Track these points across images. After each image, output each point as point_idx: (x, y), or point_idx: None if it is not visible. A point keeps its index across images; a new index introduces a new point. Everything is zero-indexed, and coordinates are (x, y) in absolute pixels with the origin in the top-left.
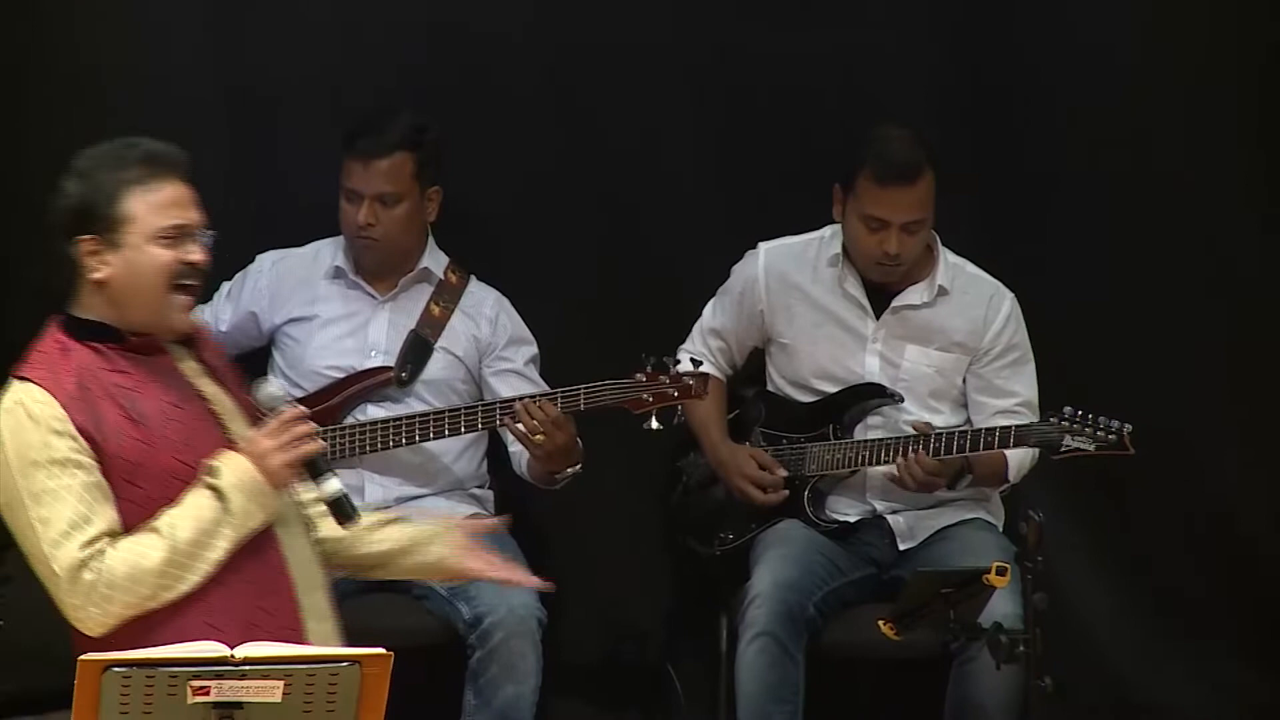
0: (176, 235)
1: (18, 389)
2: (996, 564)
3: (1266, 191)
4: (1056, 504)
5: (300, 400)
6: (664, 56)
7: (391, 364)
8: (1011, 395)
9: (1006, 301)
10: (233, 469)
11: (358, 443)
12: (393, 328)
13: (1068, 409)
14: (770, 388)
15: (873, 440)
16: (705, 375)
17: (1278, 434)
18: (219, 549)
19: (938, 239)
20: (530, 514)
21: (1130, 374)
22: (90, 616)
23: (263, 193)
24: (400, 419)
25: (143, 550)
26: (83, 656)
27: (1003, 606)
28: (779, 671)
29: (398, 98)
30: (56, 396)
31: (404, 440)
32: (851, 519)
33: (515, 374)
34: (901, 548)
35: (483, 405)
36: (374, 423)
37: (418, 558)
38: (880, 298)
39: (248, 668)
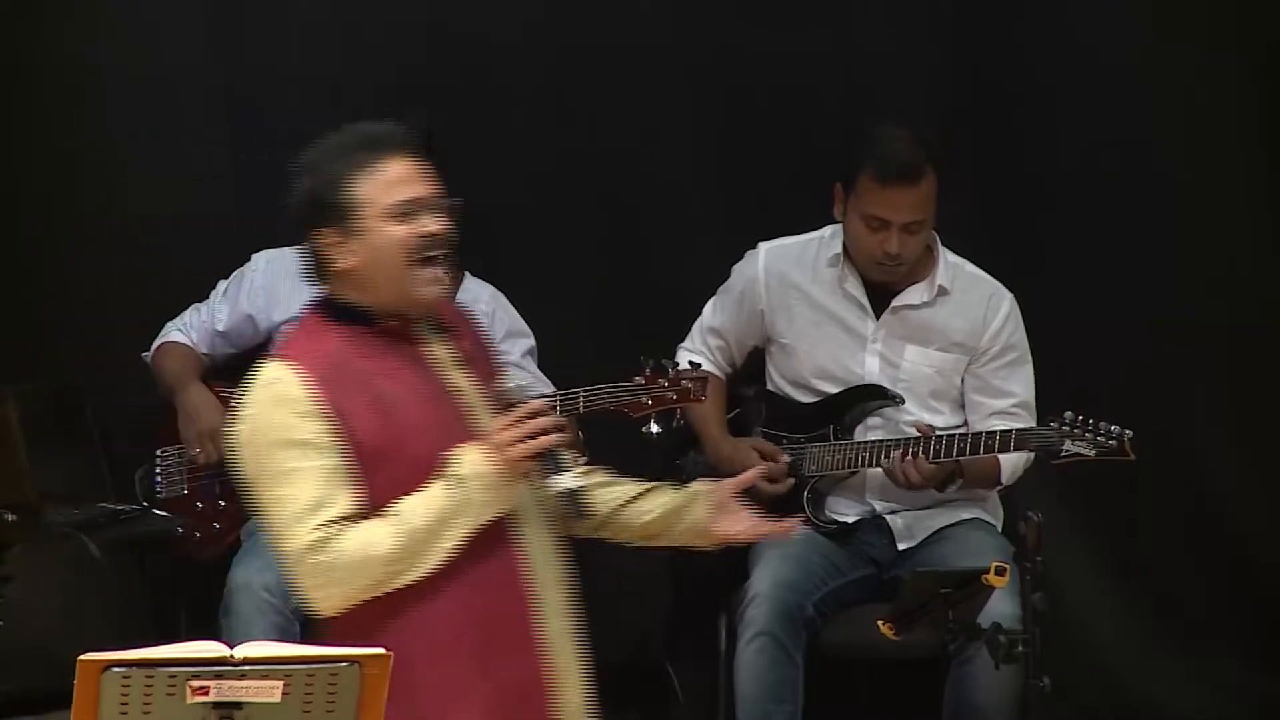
0: (410, 210)
1: (272, 368)
2: (995, 564)
3: (1266, 192)
4: (1055, 504)
5: None
6: (664, 56)
7: None
8: (1008, 396)
9: (1005, 301)
10: (471, 459)
11: None
12: None
13: (1068, 414)
14: (770, 388)
15: (873, 441)
16: (704, 378)
17: (1277, 435)
18: (453, 538)
19: (938, 239)
20: None
21: (1129, 374)
22: (322, 597)
23: (262, 192)
24: None
25: (376, 536)
26: (82, 657)
27: (1001, 606)
28: (778, 671)
29: (398, 98)
30: (308, 379)
31: None
32: (851, 519)
33: (513, 367)
34: (900, 548)
35: None
36: None
37: (688, 520)
38: (880, 298)
39: (247, 668)
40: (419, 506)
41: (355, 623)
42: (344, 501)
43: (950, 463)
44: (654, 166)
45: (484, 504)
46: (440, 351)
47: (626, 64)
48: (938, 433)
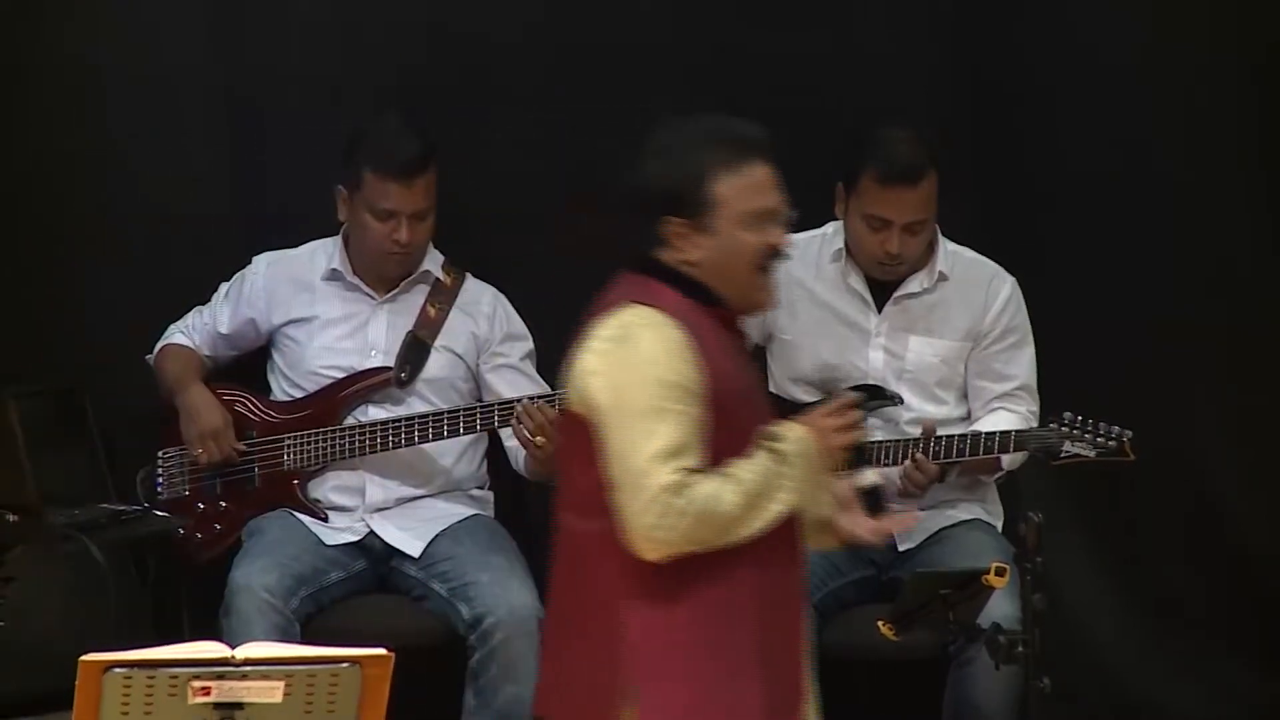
0: (763, 218)
1: (646, 313)
2: (995, 565)
3: (1266, 192)
4: (1055, 504)
5: (300, 401)
6: (664, 56)
7: (391, 364)
8: (1010, 379)
9: (1007, 284)
10: (796, 437)
11: (358, 444)
12: (391, 328)
13: (1067, 414)
14: (771, 388)
15: (873, 442)
16: None
17: (1277, 435)
18: (769, 513)
19: (937, 229)
20: (527, 514)
21: (1129, 374)
22: (658, 539)
23: (263, 193)
24: (400, 420)
25: (721, 492)
26: (84, 657)
27: (1001, 607)
28: None
29: (398, 98)
30: (683, 327)
31: (404, 442)
32: None
33: (512, 369)
34: (900, 549)
35: (481, 406)
36: (374, 424)
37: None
38: (883, 291)
39: (248, 668)
40: (750, 472)
41: (661, 585)
42: (697, 454)
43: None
44: None
45: (801, 482)
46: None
47: (625, 64)
48: (939, 432)
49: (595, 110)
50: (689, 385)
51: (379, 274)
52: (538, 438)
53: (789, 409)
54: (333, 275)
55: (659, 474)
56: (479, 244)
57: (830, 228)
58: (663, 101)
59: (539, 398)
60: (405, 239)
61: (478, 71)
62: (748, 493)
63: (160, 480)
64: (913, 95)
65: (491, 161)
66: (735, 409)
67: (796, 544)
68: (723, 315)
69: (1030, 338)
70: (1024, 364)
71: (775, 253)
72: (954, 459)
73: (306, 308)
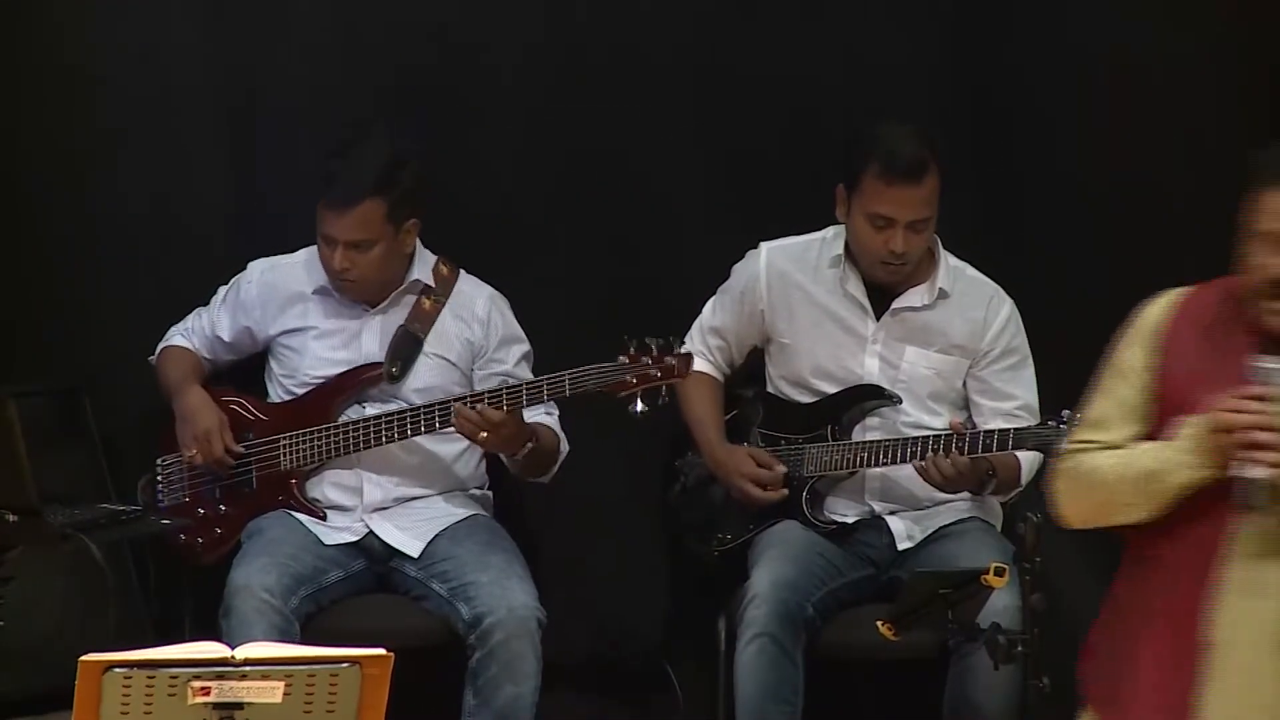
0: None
1: (1168, 296)
2: (995, 564)
3: None
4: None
5: (294, 402)
6: (665, 56)
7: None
8: (1011, 398)
9: (1006, 305)
10: (1195, 422)
11: (351, 440)
12: (385, 336)
13: (1066, 412)
14: (769, 388)
15: (871, 441)
16: (688, 355)
17: None
18: (1160, 494)
19: (939, 241)
20: (527, 514)
21: None
22: (1059, 504)
23: (262, 194)
24: (392, 414)
25: (1106, 463)
26: (83, 657)
27: (1001, 607)
28: (778, 672)
29: (397, 98)
30: (1171, 312)
31: (396, 435)
32: (850, 520)
33: (507, 375)
34: (900, 548)
35: (472, 396)
36: (367, 420)
37: None
38: (881, 299)
39: (248, 668)
40: (1148, 451)
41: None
42: (1120, 430)
43: (985, 462)
44: (652, 166)
45: (1190, 466)
46: None
47: (628, 63)
48: (935, 433)
49: (595, 110)
50: (1132, 367)
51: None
52: (480, 434)
53: (787, 410)
54: (322, 290)
55: (1069, 442)
56: (477, 245)
57: (830, 231)
58: (663, 100)
59: (527, 383)
60: (338, 266)
61: (478, 72)
62: (1136, 469)
63: (161, 487)
64: (914, 96)
65: (491, 162)
66: (1180, 400)
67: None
68: (1246, 321)
69: (1029, 359)
70: (1025, 384)
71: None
72: (947, 456)
73: (300, 318)
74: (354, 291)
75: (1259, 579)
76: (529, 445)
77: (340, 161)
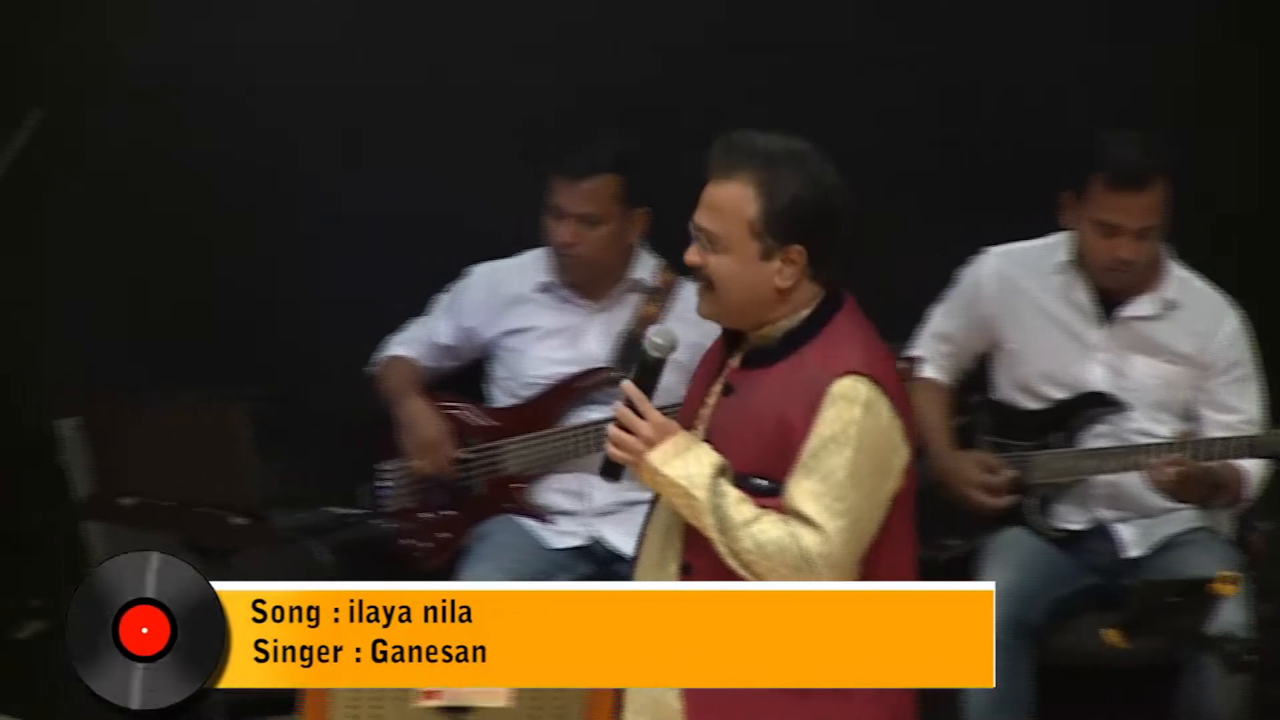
0: None
1: None
2: (1223, 573)
3: None
4: None
5: (518, 406)
6: (889, 52)
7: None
8: (1237, 412)
9: (1233, 317)
10: None
11: (578, 444)
12: (608, 337)
13: None
14: (995, 395)
15: (1099, 448)
16: (914, 359)
17: None
18: None
19: (1165, 250)
20: None
21: None
22: None
23: (477, 204)
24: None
25: None
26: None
27: (1230, 615)
28: (1005, 681)
29: (599, 108)
30: None
31: None
32: (1077, 527)
33: None
34: (1127, 556)
35: None
36: (593, 424)
37: None
38: (1106, 306)
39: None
40: None
41: None
42: None
43: (1212, 473)
44: (882, 169)
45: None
46: None
47: (846, 61)
48: (1166, 440)
49: (821, 114)
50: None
51: (561, 278)
52: None
53: (1015, 417)
54: (545, 287)
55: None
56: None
57: (1057, 238)
58: (888, 103)
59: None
60: (563, 239)
61: (676, 80)
62: None
63: (383, 493)
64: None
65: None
66: None
67: None
68: None
69: (1255, 373)
70: (1251, 398)
71: None
72: (1184, 463)
73: (522, 319)
74: (575, 271)
75: None
76: None
77: (576, 141)
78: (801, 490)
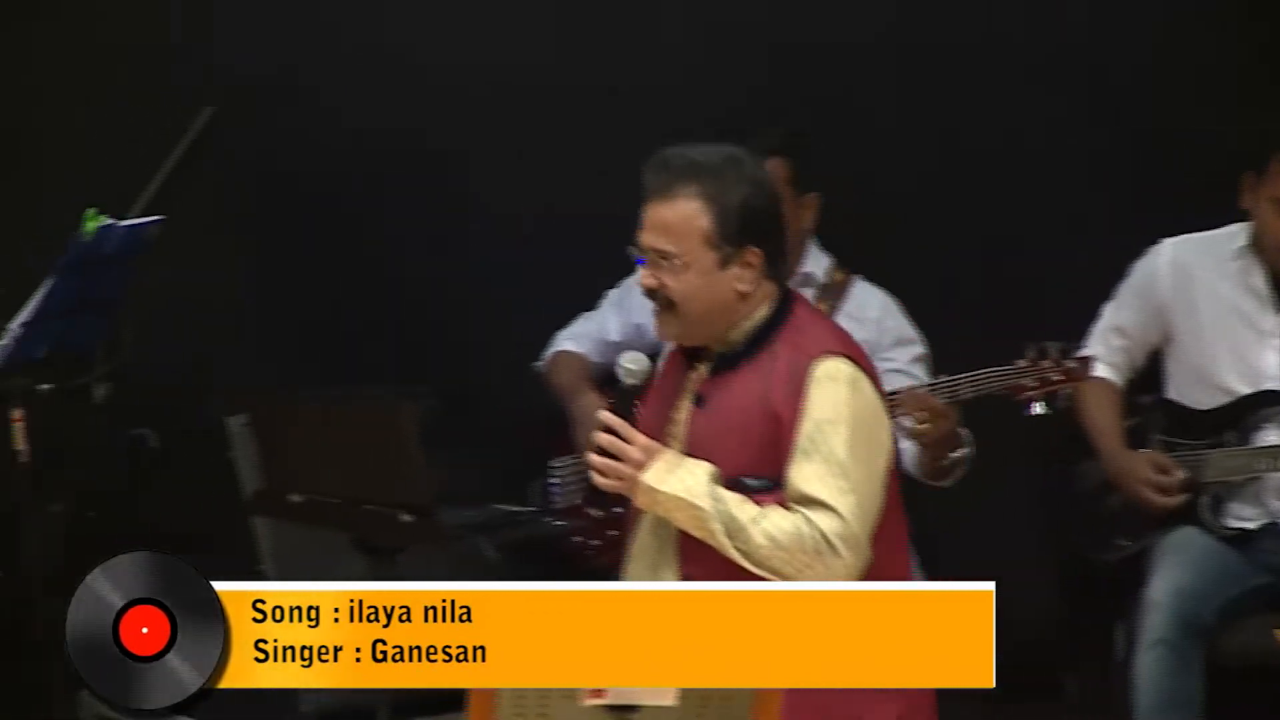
0: None
1: None
2: None
3: None
4: None
5: None
6: (1049, 47)
7: None
8: None
9: None
10: None
11: None
12: None
13: None
14: (1168, 394)
15: (1273, 446)
16: (1089, 359)
17: None
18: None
19: None
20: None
21: None
22: None
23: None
24: None
25: None
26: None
27: None
28: (1176, 681)
29: (747, 110)
30: None
31: None
32: (1251, 526)
33: (899, 373)
34: None
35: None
36: None
37: None
38: None
39: None
40: None
41: None
42: None
43: None
44: (1029, 162)
45: None
46: None
47: (1004, 54)
48: None
49: (958, 113)
50: None
51: None
52: (923, 424)
53: (1187, 416)
54: None
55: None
56: (865, 249)
57: (1235, 227)
58: (1020, 100)
59: (925, 385)
60: None
61: (841, 81)
62: None
63: (555, 489)
64: None
65: (870, 165)
66: None
67: None
68: None
69: None
70: None
71: None
72: None
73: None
74: None
75: None
76: (962, 452)
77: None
78: (804, 474)
